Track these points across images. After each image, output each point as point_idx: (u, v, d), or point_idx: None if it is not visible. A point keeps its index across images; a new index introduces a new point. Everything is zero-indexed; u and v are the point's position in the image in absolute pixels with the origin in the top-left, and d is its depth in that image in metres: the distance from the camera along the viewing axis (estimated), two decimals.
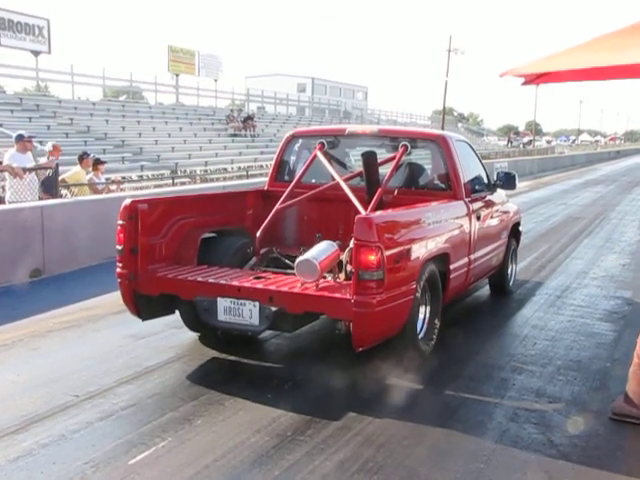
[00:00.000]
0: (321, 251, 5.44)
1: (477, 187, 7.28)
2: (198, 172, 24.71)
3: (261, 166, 28.03)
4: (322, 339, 6.57)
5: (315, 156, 7.05)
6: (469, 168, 7.23)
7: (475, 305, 8.38)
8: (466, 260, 6.73)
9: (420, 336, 5.82)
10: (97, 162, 12.92)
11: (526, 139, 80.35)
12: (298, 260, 5.36)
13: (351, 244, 5.28)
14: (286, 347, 6.40)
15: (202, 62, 42.88)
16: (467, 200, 6.85)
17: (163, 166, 25.38)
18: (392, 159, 6.87)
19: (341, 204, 6.62)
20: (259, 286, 5.34)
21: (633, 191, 26.35)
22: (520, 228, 9.07)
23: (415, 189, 7.03)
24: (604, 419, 4.85)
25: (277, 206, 6.75)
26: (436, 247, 5.90)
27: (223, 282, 5.44)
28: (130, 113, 32.74)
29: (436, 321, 6.07)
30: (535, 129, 78.21)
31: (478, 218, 7.05)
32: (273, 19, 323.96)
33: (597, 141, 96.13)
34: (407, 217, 5.69)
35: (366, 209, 6.10)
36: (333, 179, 6.84)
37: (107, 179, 13.64)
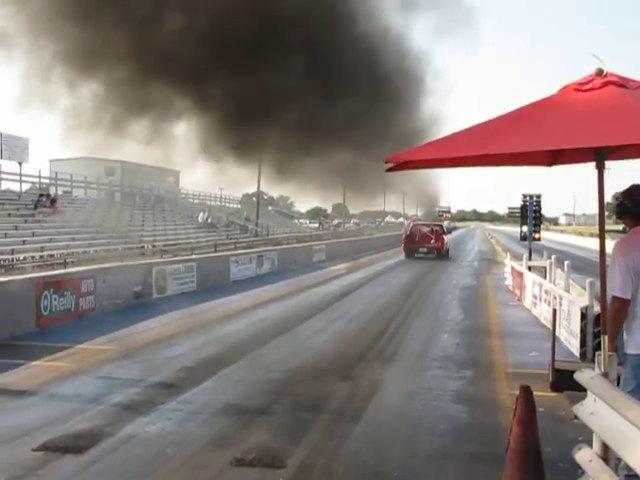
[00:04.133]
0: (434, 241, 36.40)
1: (446, 232, 41.94)
2: (1, 262, 22.80)
3: (72, 254, 26.46)
4: None
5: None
6: (446, 228, 44.75)
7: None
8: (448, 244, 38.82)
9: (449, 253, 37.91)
10: None
11: (335, 221, 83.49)
12: (432, 243, 36.16)
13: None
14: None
15: (5, 144, 40.41)
16: (446, 236, 39.53)
17: None
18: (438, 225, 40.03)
19: (429, 234, 36.21)
20: (433, 243, 35.96)
21: (444, 271, 27.97)
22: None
23: (442, 233, 37.34)
24: None
25: (415, 240, 35.85)
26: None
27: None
28: None
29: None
30: (343, 212, 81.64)
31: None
32: None
33: (402, 222, 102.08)
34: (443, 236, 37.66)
35: (434, 237, 36.21)
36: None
37: None
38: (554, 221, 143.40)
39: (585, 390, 4.65)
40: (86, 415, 6.84)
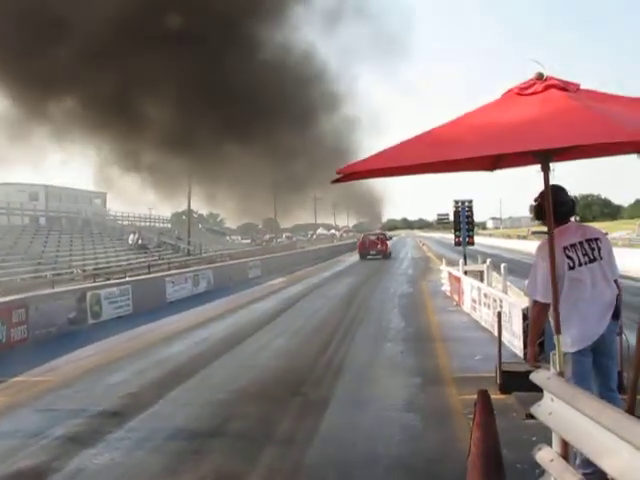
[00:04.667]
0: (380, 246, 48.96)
1: (387, 237, 54.14)
2: None
3: None
4: None
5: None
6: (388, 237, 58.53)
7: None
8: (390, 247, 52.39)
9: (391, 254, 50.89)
10: None
11: (267, 236, 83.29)
12: (378, 247, 48.78)
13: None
14: None
15: None
16: (389, 241, 54.63)
17: None
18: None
19: (376, 241, 49.49)
20: (380, 248, 48.70)
21: (381, 280, 28.16)
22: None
23: (385, 240, 50.83)
24: None
25: (366, 246, 49.04)
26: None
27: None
28: None
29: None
30: (274, 226, 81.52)
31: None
32: None
33: (333, 234, 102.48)
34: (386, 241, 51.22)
35: (380, 243, 49.34)
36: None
37: None
38: (482, 225, 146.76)
39: (536, 390, 4.67)
40: (28, 451, 6.50)
